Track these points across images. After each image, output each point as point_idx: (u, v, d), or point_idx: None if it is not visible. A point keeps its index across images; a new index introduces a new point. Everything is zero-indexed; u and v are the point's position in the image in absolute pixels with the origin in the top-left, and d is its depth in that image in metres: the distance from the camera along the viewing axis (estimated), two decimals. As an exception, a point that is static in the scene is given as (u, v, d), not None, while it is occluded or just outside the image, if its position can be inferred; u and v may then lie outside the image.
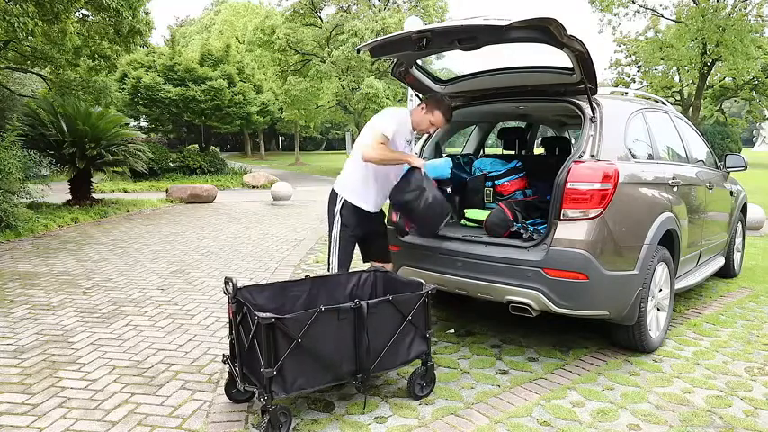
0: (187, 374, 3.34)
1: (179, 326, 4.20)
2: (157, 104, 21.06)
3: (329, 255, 3.61)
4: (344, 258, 3.57)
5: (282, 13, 27.06)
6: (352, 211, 3.54)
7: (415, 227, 3.91)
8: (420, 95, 4.50)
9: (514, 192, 4.45)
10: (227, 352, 3.05)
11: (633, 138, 3.80)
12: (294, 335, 2.55)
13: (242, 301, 2.76)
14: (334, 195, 3.63)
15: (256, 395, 2.65)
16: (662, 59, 26.99)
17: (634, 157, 3.68)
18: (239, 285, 2.87)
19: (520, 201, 4.27)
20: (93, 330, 4.08)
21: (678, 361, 3.57)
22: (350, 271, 3.49)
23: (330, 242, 3.62)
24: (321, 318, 2.62)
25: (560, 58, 3.36)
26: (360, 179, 3.52)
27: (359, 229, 3.59)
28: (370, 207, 3.57)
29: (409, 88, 4.94)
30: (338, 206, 3.56)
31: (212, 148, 26.99)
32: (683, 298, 4.95)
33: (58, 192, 11.27)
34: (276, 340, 2.52)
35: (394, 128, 3.41)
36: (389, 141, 3.40)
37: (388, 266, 3.76)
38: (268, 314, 2.51)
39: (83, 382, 3.22)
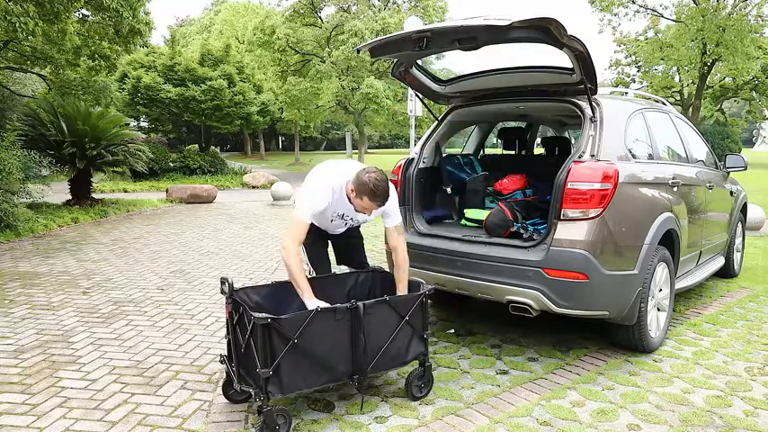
0: (187, 374, 3.34)
1: (179, 326, 4.20)
2: (157, 104, 21.07)
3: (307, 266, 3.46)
4: (316, 260, 3.40)
5: (282, 13, 27.07)
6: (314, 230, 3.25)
7: None
8: (419, 94, 4.51)
9: (514, 191, 4.45)
10: (226, 352, 3.05)
11: (633, 138, 3.80)
12: (290, 335, 2.55)
13: (238, 301, 2.75)
14: None
15: (253, 395, 2.65)
16: (662, 59, 27.00)
17: (634, 157, 3.67)
18: (238, 286, 2.86)
19: (520, 201, 4.27)
20: (93, 330, 4.08)
21: (678, 361, 3.57)
22: (349, 271, 3.48)
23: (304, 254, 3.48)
24: (317, 318, 2.62)
25: (560, 58, 3.36)
26: None
27: (322, 237, 3.40)
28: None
29: (409, 88, 4.94)
30: None
31: (212, 148, 26.98)
32: (683, 298, 4.94)
33: (58, 192, 11.27)
34: (272, 341, 2.52)
35: (314, 209, 3.00)
36: (309, 223, 3.00)
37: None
38: (264, 314, 2.51)
39: (83, 382, 3.22)
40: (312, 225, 3.13)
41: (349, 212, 3.15)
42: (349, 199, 3.01)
